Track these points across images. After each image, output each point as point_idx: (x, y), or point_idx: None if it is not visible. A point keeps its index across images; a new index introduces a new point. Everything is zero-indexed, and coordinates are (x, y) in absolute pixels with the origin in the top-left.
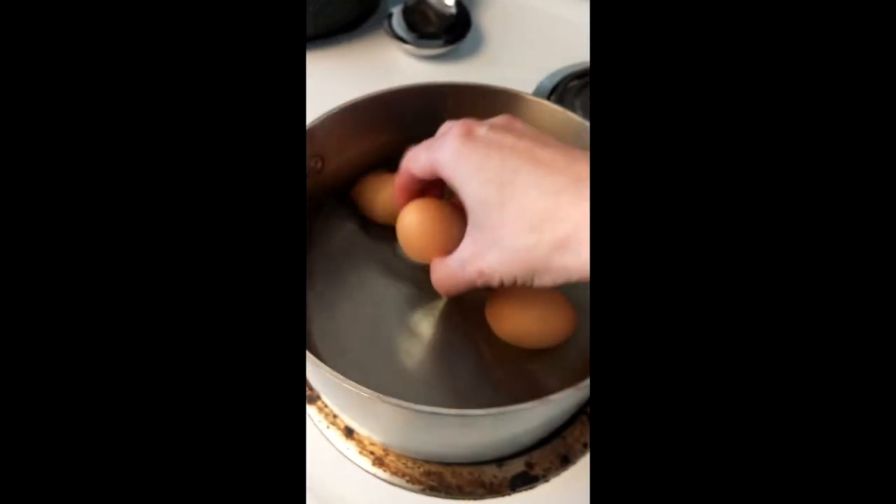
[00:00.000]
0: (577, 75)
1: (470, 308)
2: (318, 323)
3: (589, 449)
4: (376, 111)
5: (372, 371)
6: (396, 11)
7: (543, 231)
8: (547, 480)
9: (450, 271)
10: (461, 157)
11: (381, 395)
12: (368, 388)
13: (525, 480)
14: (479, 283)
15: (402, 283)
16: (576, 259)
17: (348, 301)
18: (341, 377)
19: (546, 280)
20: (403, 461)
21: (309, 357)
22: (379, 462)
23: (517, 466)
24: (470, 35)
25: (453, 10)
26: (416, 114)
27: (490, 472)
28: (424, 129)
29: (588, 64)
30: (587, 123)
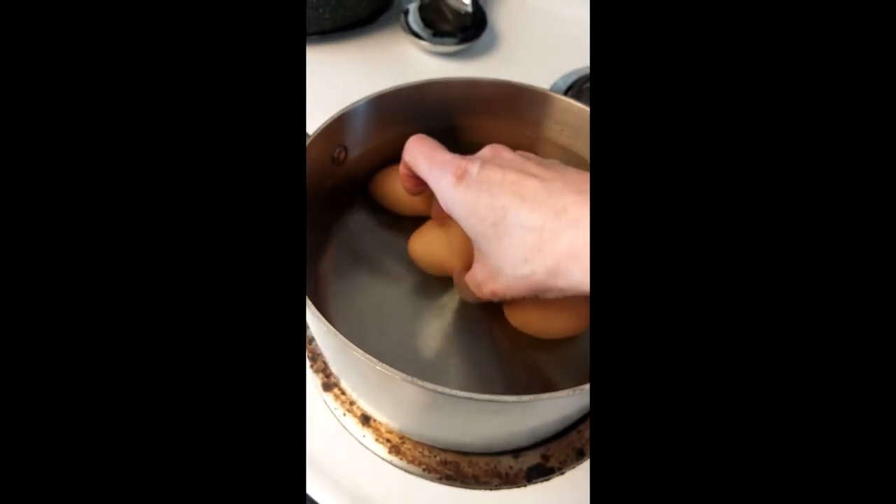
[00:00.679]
0: (584, 81)
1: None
2: (336, 311)
3: None
4: (399, 104)
5: (389, 360)
6: (413, 8)
7: (535, 262)
8: (562, 473)
9: (469, 289)
10: (455, 202)
11: (413, 377)
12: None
13: (541, 472)
14: (497, 299)
15: (418, 274)
16: (567, 283)
17: (366, 290)
18: (372, 358)
19: (552, 295)
20: (420, 450)
21: (337, 337)
22: (395, 450)
23: (533, 458)
24: (485, 34)
25: (469, 9)
26: (435, 108)
27: (506, 463)
28: (443, 123)
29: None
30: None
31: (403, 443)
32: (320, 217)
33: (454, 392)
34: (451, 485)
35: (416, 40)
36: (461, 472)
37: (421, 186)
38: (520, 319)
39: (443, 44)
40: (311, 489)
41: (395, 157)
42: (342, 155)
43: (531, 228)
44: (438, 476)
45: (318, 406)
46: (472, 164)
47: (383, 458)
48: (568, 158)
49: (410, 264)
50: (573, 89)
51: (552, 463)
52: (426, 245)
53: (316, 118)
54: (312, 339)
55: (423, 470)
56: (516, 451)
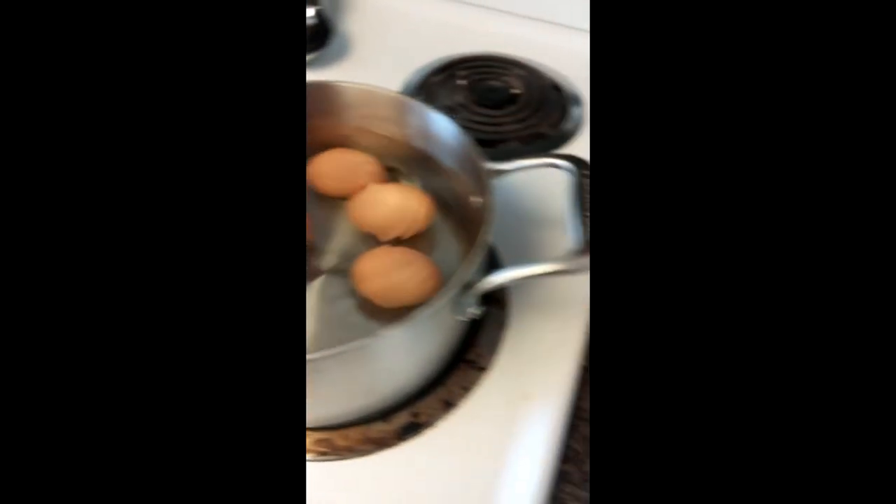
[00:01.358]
0: (438, 70)
1: (343, 283)
2: None
3: (468, 393)
4: None
5: None
6: None
7: None
8: (433, 426)
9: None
10: None
11: None
12: None
13: (411, 429)
14: None
15: None
16: None
17: None
18: None
19: None
20: None
21: None
22: None
23: (403, 418)
24: (337, 42)
25: (314, 20)
26: None
27: (377, 428)
28: None
29: (447, 58)
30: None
31: None
32: None
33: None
34: (327, 460)
35: None
36: (335, 446)
37: None
38: (371, 290)
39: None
40: None
41: None
42: None
43: None
44: (314, 455)
45: None
46: None
47: None
48: (388, 145)
49: None
50: (425, 84)
51: (422, 419)
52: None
53: None
54: None
55: None
56: (385, 415)
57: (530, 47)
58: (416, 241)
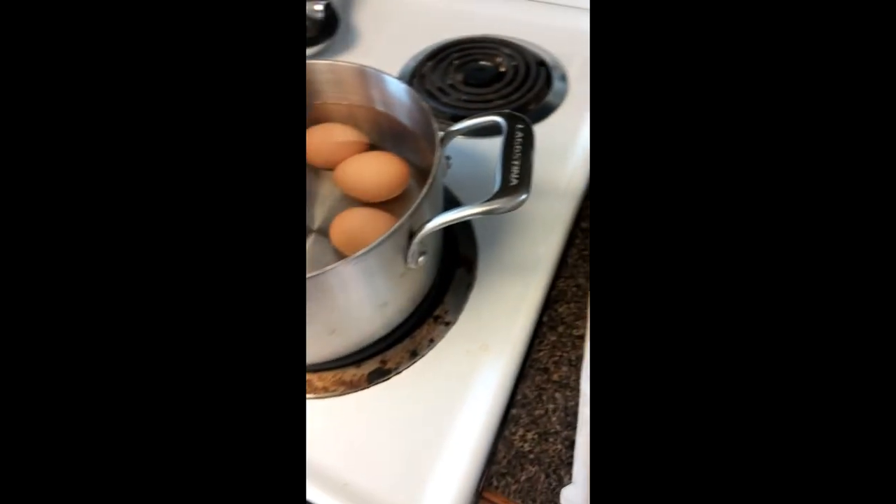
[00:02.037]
0: (433, 54)
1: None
2: None
3: (434, 344)
4: None
5: None
6: None
7: None
8: (399, 373)
9: None
10: None
11: None
12: None
13: (380, 374)
14: None
15: None
16: None
17: None
18: None
19: None
20: None
21: None
22: None
23: (373, 364)
24: (344, 32)
25: (322, 15)
26: None
27: (350, 372)
28: None
29: (442, 43)
30: (361, 67)
31: None
32: None
33: None
34: (306, 398)
35: None
36: (313, 386)
37: None
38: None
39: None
40: None
41: None
42: None
43: None
44: None
45: None
46: None
47: None
48: (385, 121)
49: None
50: (419, 69)
51: (390, 366)
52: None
53: None
54: None
55: None
56: (358, 362)
57: (519, 27)
58: (394, 203)
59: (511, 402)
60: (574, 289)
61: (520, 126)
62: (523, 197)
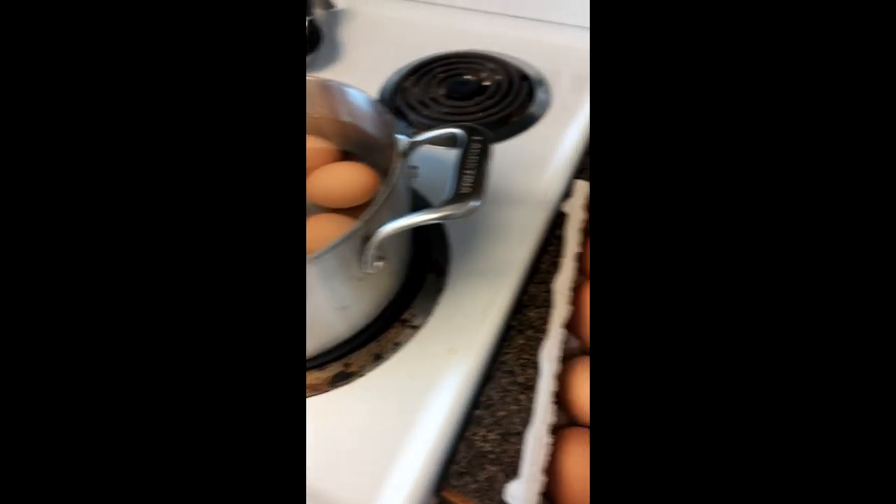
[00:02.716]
0: (413, 70)
1: None
2: None
3: (399, 347)
4: None
5: None
6: None
7: None
8: (362, 375)
9: None
10: None
11: None
12: None
13: (343, 377)
14: None
15: None
16: None
17: None
18: None
19: None
20: None
21: None
22: None
23: (336, 367)
24: (329, 48)
25: (305, 31)
26: None
27: (314, 375)
28: None
29: (427, 58)
30: (323, 80)
31: None
32: None
33: None
34: None
35: None
36: None
37: None
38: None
39: None
40: None
41: None
42: None
43: None
44: None
45: None
46: None
47: None
48: (353, 132)
49: None
50: (398, 86)
51: (353, 369)
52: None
53: None
54: None
55: None
56: (321, 365)
57: (505, 43)
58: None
59: (475, 404)
60: (545, 294)
61: (477, 138)
62: (474, 204)
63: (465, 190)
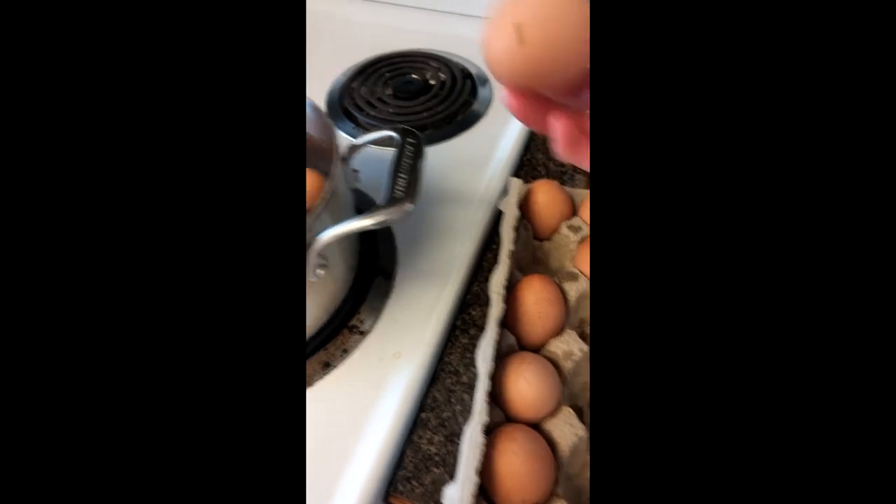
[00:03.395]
0: (360, 71)
1: None
2: None
3: (347, 355)
4: None
5: None
6: None
7: None
8: (311, 385)
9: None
10: None
11: None
12: None
13: None
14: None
15: None
16: None
17: None
18: None
19: None
20: None
21: None
22: None
23: None
24: None
25: None
26: None
27: None
28: None
29: (373, 58)
30: None
31: None
32: None
33: None
34: None
35: None
36: None
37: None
38: None
39: None
40: None
41: None
42: None
43: None
44: None
45: None
46: None
47: None
48: None
49: None
50: (347, 87)
51: None
52: None
53: None
54: None
55: None
56: None
57: (448, 41)
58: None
59: (421, 407)
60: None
61: (410, 140)
62: (409, 208)
63: (398, 194)
